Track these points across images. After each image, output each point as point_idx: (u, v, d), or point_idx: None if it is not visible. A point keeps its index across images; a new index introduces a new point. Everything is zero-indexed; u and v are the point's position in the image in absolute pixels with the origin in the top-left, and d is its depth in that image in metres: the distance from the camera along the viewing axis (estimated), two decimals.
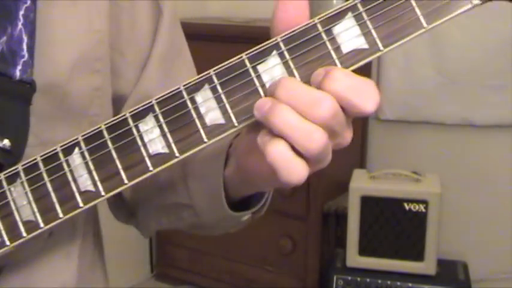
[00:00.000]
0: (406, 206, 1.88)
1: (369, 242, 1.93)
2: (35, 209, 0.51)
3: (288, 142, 0.46)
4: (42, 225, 0.52)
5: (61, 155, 0.51)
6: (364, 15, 0.47)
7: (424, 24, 0.47)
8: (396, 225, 1.91)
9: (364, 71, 2.05)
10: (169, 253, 2.41)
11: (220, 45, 2.14)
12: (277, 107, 0.46)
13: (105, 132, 0.50)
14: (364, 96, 0.46)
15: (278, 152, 0.46)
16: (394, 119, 2.24)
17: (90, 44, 0.63)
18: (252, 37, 2.09)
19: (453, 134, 2.20)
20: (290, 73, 0.48)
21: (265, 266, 2.18)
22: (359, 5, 0.48)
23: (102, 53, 0.65)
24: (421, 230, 1.89)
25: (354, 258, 1.94)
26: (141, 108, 0.50)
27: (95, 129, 0.51)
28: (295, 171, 0.46)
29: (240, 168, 0.58)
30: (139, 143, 0.50)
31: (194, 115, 0.49)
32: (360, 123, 2.29)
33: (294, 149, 0.46)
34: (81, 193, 0.51)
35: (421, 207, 1.88)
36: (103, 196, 0.51)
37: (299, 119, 0.45)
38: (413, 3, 0.47)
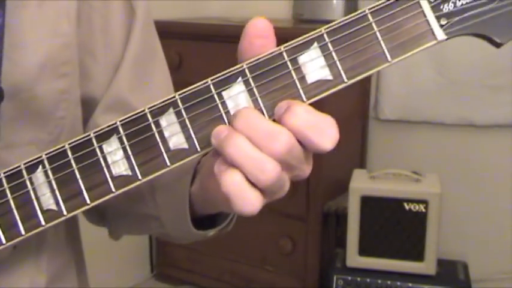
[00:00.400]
0: (406, 206, 1.88)
1: (369, 242, 1.93)
2: None
3: (242, 172, 0.46)
4: (4, 241, 0.51)
5: (24, 173, 0.51)
6: (330, 46, 0.48)
7: (389, 59, 0.48)
8: (396, 225, 1.91)
9: None
10: (169, 253, 2.41)
11: (220, 45, 2.14)
12: (232, 136, 0.46)
13: (69, 152, 0.50)
14: (322, 133, 0.46)
15: (232, 182, 0.46)
16: (394, 119, 2.24)
17: (56, 48, 0.63)
18: None
19: (453, 134, 2.20)
20: (254, 101, 0.48)
21: (265, 266, 2.18)
22: (325, 35, 0.48)
23: (69, 56, 0.65)
24: (421, 230, 1.89)
25: (354, 258, 1.94)
26: (106, 129, 0.50)
27: (59, 148, 0.51)
28: (248, 202, 0.46)
29: (202, 188, 0.59)
30: (103, 164, 0.50)
31: (158, 139, 0.49)
32: (360, 123, 2.29)
33: (248, 179, 0.46)
34: (43, 212, 0.51)
35: (421, 207, 1.88)
36: (65, 215, 0.51)
37: (253, 149, 0.46)
38: (379, 37, 0.48)
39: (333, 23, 0.48)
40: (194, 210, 0.63)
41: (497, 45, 0.49)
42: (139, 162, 0.49)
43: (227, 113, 0.48)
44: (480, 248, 2.17)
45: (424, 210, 1.88)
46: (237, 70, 0.48)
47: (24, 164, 0.51)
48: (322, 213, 2.05)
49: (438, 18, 0.48)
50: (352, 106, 2.23)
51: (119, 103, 0.68)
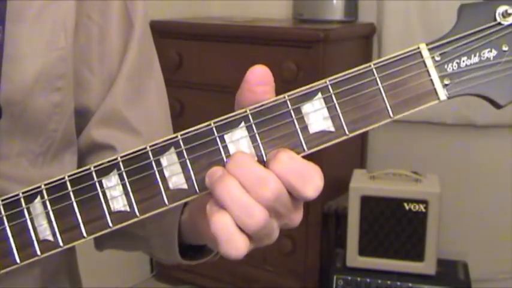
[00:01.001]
0: (406, 206, 1.88)
1: (369, 242, 1.93)
2: None
3: (231, 216, 0.46)
4: None
5: (23, 202, 0.51)
6: (334, 97, 0.48)
7: (391, 115, 0.49)
8: (396, 225, 1.91)
9: None
10: None
11: (220, 45, 2.14)
12: (224, 178, 0.46)
13: (68, 184, 0.50)
14: (306, 181, 0.46)
15: (221, 224, 0.46)
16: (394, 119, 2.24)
17: (52, 61, 0.63)
18: (252, 37, 2.11)
19: (453, 134, 2.20)
20: (256, 147, 0.48)
21: (265, 266, 2.18)
22: (329, 87, 0.48)
23: (64, 70, 0.64)
24: (421, 230, 1.89)
25: (354, 258, 1.94)
26: (106, 164, 0.50)
27: (58, 180, 0.51)
28: (235, 246, 0.46)
29: (191, 220, 0.59)
30: (102, 199, 0.50)
31: (158, 178, 0.49)
32: None
33: (236, 223, 0.46)
34: (39, 242, 0.51)
35: (421, 207, 1.88)
36: (61, 247, 0.51)
37: (242, 193, 0.46)
38: (383, 93, 0.48)
39: (338, 75, 0.49)
40: (183, 237, 0.63)
41: (498, 106, 0.50)
42: (138, 200, 0.49)
43: (228, 157, 0.49)
44: (480, 248, 2.17)
45: (424, 210, 1.88)
46: (241, 115, 0.49)
47: (23, 193, 0.51)
48: (322, 213, 2.05)
49: (442, 78, 0.48)
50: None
51: (114, 116, 0.69)
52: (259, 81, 0.48)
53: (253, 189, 0.46)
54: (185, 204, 0.61)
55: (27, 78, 0.61)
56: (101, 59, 0.69)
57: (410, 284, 1.91)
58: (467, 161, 2.19)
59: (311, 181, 0.47)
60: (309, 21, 2.17)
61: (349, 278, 1.94)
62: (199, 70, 2.15)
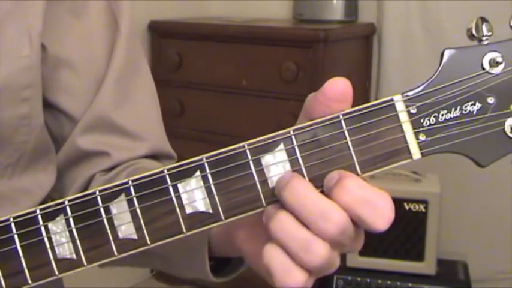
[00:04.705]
0: (406, 206, 1.88)
1: (369, 242, 1.91)
2: None
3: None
4: None
5: None
6: (297, 150, 0.44)
7: (358, 172, 0.45)
8: (396, 225, 1.90)
9: (364, 72, 2.06)
10: None
11: (220, 45, 2.14)
12: (278, 214, 0.43)
13: (13, 227, 0.48)
14: (376, 213, 0.42)
15: (275, 259, 0.43)
16: None
17: (16, 71, 0.60)
18: (251, 37, 2.11)
19: None
20: (212, 199, 0.45)
21: None
22: (293, 138, 0.44)
23: (31, 80, 0.61)
24: (421, 230, 1.89)
25: (354, 258, 1.94)
26: (53, 208, 0.47)
27: (2, 222, 0.48)
28: (294, 280, 0.42)
29: (227, 231, 0.54)
30: (47, 245, 0.47)
31: (107, 226, 0.47)
32: None
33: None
34: None
35: (421, 207, 1.88)
36: None
37: (297, 227, 0.42)
38: (351, 148, 0.44)
39: (304, 124, 0.44)
40: (211, 251, 0.58)
41: (480, 166, 0.46)
42: (85, 248, 0.47)
43: (181, 207, 0.45)
44: (480, 248, 2.17)
45: (424, 210, 1.88)
46: (196, 164, 0.45)
47: None
48: None
49: (417, 134, 0.44)
50: (351, 106, 2.23)
51: (102, 122, 0.66)
52: (338, 97, 0.44)
53: (314, 224, 0.41)
54: None
55: None
56: (86, 63, 0.66)
57: (410, 284, 1.91)
58: (467, 161, 2.18)
59: (382, 212, 0.43)
60: (309, 21, 2.17)
61: (349, 278, 1.94)
62: (199, 70, 2.15)
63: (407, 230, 1.90)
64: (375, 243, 1.93)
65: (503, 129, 0.44)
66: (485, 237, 2.17)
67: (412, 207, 1.88)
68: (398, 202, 1.88)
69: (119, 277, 2.30)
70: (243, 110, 2.09)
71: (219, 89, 2.11)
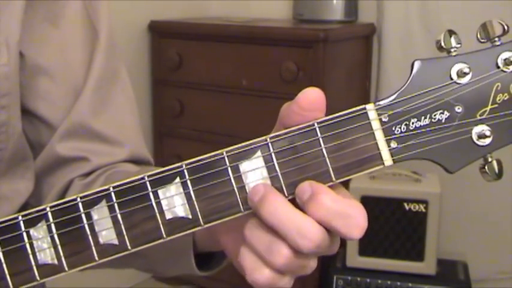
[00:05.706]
0: (406, 206, 1.88)
1: (369, 242, 1.93)
2: None
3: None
4: None
5: None
6: (274, 157, 0.46)
7: (333, 178, 0.46)
8: (396, 225, 1.91)
9: (364, 72, 2.06)
10: None
11: (220, 45, 2.14)
12: (249, 219, 0.46)
13: None
14: (350, 224, 0.44)
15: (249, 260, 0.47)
16: None
17: None
18: (251, 37, 2.10)
19: None
20: (191, 205, 0.46)
21: None
22: (270, 145, 0.46)
23: (9, 88, 0.62)
24: (421, 230, 1.89)
25: (354, 258, 1.94)
26: (35, 214, 0.48)
27: None
28: (259, 276, 0.47)
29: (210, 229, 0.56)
30: (29, 251, 0.48)
31: (88, 231, 0.47)
32: None
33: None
34: None
35: (421, 207, 1.88)
36: None
37: (264, 232, 0.45)
38: (326, 155, 0.46)
39: (280, 132, 0.46)
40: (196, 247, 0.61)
41: (448, 172, 0.48)
42: (66, 253, 0.48)
43: (161, 213, 0.47)
44: (480, 248, 2.17)
45: (424, 210, 1.88)
46: (176, 170, 0.47)
47: None
48: None
49: (389, 141, 0.46)
50: (351, 106, 2.23)
51: (81, 129, 0.67)
52: (311, 106, 0.45)
53: (291, 239, 0.44)
54: None
55: None
56: (64, 70, 0.66)
57: (410, 284, 1.91)
58: None
59: (355, 223, 0.45)
60: (309, 21, 2.17)
61: (349, 278, 1.94)
62: (199, 70, 2.15)
63: (407, 230, 1.90)
64: (374, 243, 1.93)
65: (471, 136, 0.47)
66: (485, 237, 2.17)
67: (412, 207, 1.88)
68: (398, 202, 1.88)
69: (119, 277, 2.30)
70: (243, 110, 2.09)
71: (219, 89, 2.11)
